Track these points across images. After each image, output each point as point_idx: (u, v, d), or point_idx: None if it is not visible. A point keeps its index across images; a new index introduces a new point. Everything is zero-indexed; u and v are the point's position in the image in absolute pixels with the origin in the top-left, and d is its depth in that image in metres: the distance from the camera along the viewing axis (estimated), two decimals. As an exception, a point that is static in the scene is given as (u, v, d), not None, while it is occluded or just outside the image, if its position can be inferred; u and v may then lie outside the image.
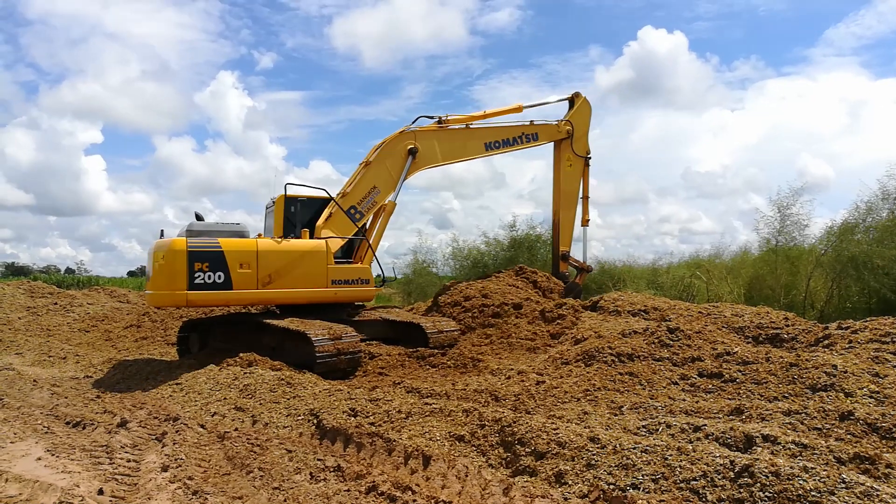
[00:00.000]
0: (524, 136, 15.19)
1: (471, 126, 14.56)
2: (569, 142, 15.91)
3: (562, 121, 15.88)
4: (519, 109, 15.35)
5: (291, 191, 12.36)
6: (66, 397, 8.20)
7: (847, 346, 7.66)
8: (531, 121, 15.39)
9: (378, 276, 13.05)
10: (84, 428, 6.65)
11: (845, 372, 6.46)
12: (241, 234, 11.18)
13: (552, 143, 15.95)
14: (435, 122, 13.90)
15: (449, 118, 14.08)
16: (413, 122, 13.74)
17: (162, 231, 11.17)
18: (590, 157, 16.50)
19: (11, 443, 5.97)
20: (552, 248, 17.28)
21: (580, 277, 16.78)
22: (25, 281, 24.67)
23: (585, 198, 16.67)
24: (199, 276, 10.33)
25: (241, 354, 10.04)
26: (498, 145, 14.83)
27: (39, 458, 5.50)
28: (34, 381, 9.32)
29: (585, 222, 16.73)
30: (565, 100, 16.26)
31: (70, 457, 5.57)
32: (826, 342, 8.16)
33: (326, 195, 12.52)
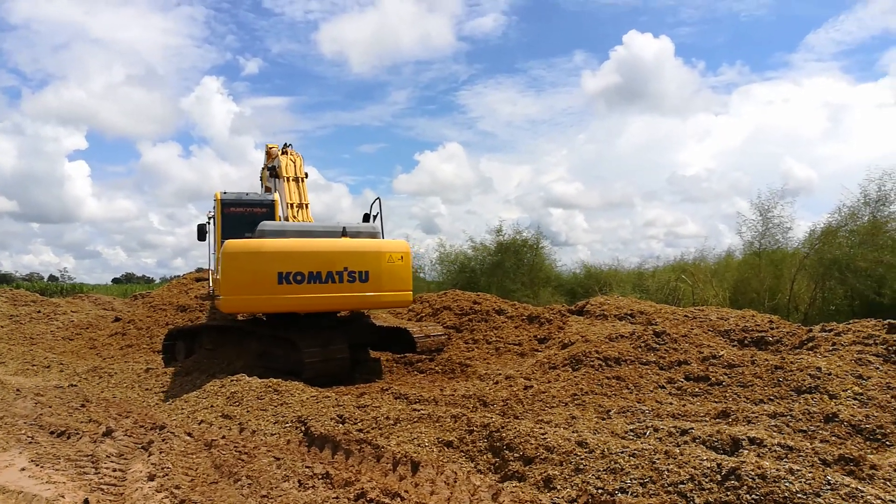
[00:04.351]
0: None
1: None
2: None
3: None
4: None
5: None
6: (50, 406, 8.11)
7: (831, 348, 7.74)
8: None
9: None
10: (69, 437, 6.58)
11: (829, 374, 6.53)
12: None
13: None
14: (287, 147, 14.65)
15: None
16: (284, 145, 14.45)
17: (344, 228, 10.72)
18: None
19: (-5, 453, 5.90)
20: None
21: None
22: (8, 289, 24.42)
23: None
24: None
25: None
26: None
27: (23, 469, 5.43)
28: (17, 390, 9.20)
29: None
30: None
31: (55, 467, 5.51)
32: (810, 345, 8.24)
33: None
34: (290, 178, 13.10)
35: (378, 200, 12.04)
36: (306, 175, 13.61)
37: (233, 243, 9.91)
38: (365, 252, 10.35)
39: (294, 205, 12.62)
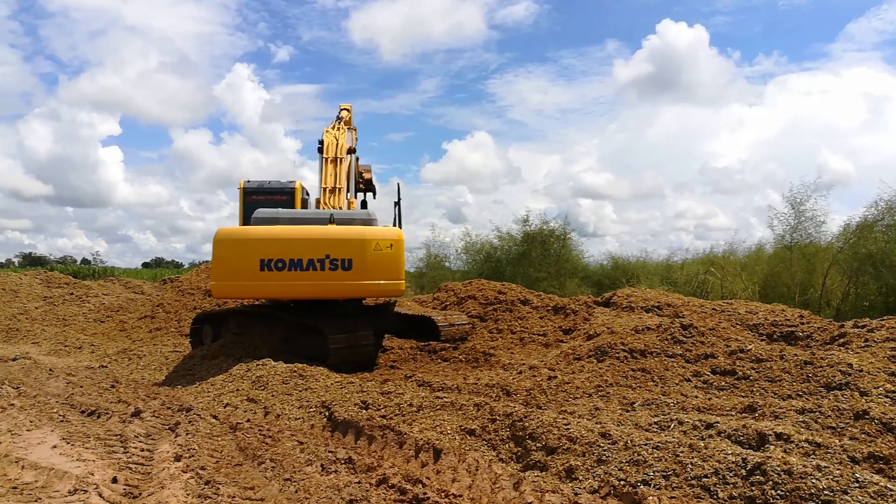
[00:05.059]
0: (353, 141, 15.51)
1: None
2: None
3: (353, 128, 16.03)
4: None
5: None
6: (81, 386, 8.28)
7: (863, 344, 7.58)
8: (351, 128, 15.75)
9: None
10: (99, 417, 6.71)
11: (861, 371, 6.40)
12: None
13: None
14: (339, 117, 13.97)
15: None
16: (337, 120, 13.81)
17: (332, 215, 10.62)
18: None
19: (28, 430, 6.03)
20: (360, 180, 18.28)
21: None
22: (42, 271, 24.95)
23: None
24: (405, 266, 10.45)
25: None
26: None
27: (55, 447, 5.55)
28: (50, 370, 9.41)
29: None
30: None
31: (85, 445, 5.62)
32: (841, 341, 8.07)
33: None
34: (329, 160, 12.72)
35: (398, 186, 12.07)
36: (352, 150, 13.14)
37: (222, 230, 10.17)
38: (348, 239, 10.16)
39: (328, 189, 12.35)
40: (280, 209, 11.25)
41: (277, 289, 10.20)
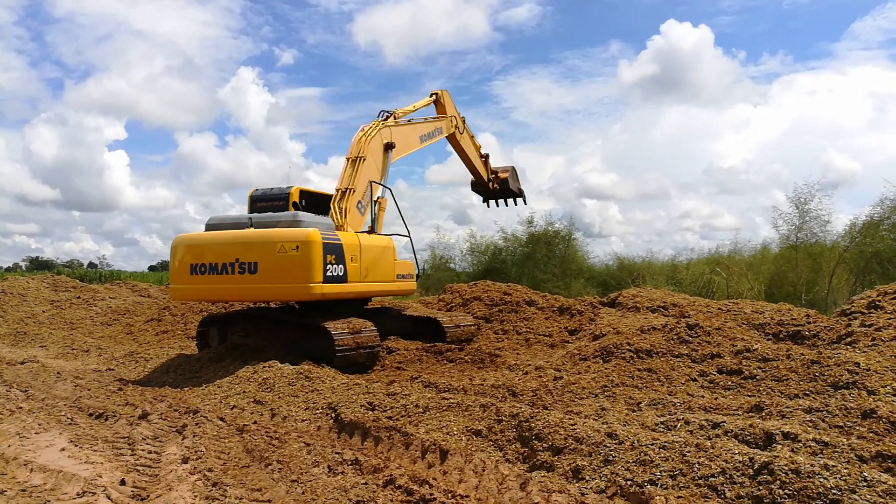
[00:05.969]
0: (436, 130, 15.12)
1: (412, 121, 14.35)
2: (460, 131, 16.00)
3: (447, 116, 15.57)
4: (429, 104, 15.26)
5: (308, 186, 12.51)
6: (88, 389, 8.32)
7: (870, 343, 7.55)
8: (435, 117, 15.29)
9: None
10: (106, 420, 6.74)
11: (868, 369, 6.37)
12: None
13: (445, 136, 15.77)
14: (386, 116, 13.38)
15: (397, 112, 13.68)
16: (380, 116, 13.26)
17: (250, 219, 10.67)
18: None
19: (36, 433, 6.07)
20: (494, 180, 18.19)
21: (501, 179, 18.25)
22: (49, 275, 25.05)
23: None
24: (329, 268, 10.12)
25: None
26: (425, 138, 14.69)
27: (63, 449, 5.58)
28: (58, 373, 9.46)
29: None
30: (431, 102, 15.64)
31: (93, 448, 5.65)
32: (848, 339, 8.04)
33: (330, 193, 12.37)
34: (350, 160, 12.14)
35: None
36: (391, 145, 12.80)
37: (177, 238, 10.93)
38: (253, 243, 10.12)
39: (340, 190, 11.85)
40: (228, 215, 11.47)
41: (203, 292, 10.93)
